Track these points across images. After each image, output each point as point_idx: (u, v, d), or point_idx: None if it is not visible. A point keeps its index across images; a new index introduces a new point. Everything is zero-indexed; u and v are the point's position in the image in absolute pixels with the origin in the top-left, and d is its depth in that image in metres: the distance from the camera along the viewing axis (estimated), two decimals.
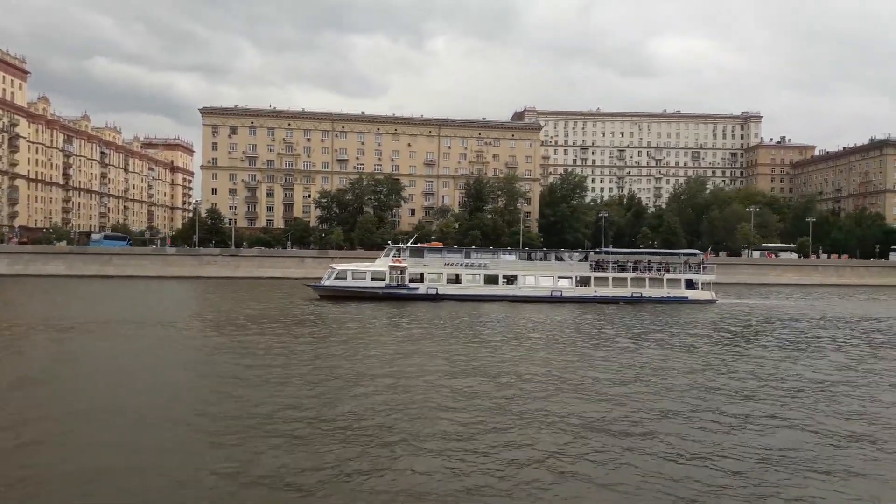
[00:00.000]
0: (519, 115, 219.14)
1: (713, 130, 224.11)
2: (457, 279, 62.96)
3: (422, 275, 62.56)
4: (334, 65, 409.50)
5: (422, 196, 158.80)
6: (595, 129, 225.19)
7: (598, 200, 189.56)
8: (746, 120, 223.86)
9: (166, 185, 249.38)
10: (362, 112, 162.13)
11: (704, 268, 67.10)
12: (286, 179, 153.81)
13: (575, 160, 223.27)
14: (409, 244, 67.18)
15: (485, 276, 63.00)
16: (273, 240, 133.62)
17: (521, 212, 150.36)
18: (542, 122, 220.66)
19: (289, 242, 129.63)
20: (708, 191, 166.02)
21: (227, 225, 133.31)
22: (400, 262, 62.13)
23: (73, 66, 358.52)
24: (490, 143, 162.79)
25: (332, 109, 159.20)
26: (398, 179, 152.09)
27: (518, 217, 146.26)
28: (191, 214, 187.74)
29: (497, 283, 62.86)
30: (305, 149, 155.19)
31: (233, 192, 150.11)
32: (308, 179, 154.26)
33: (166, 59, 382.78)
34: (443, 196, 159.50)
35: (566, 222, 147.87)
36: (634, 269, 65.47)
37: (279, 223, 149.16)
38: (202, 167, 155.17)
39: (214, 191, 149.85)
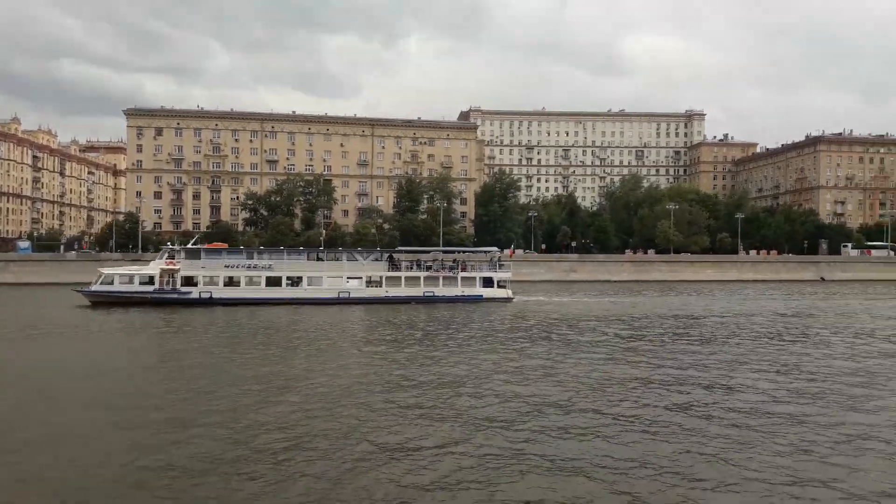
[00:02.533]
0: (465, 115, 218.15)
1: (657, 129, 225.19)
2: (236, 282, 60.14)
3: (197, 278, 59.57)
4: (306, 65, 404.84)
5: (355, 197, 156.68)
6: (540, 128, 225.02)
7: (539, 200, 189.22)
8: (690, 118, 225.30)
9: (108, 189, 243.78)
10: (293, 111, 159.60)
11: (502, 265, 65.72)
12: (213, 181, 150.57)
13: (520, 160, 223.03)
14: (187, 245, 64.35)
15: (267, 277, 60.20)
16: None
17: (455, 212, 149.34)
18: (488, 122, 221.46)
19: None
20: (642, 189, 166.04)
21: (148, 228, 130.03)
22: (173, 265, 59.12)
23: (38, 68, 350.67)
24: (425, 143, 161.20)
25: (262, 109, 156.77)
26: (330, 180, 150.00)
27: (452, 217, 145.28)
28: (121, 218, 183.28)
29: (280, 285, 60.20)
30: (233, 150, 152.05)
31: (158, 194, 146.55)
32: (236, 181, 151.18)
33: (135, 61, 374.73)
34: (377, 197, 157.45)
35: (499, 222, 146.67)
36: (428, 268, 64.11)
37: (206, 226, 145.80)
38: (127, 170, 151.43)
39: (138, 193, 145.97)
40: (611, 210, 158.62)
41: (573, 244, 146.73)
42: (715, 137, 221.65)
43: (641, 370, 27.05)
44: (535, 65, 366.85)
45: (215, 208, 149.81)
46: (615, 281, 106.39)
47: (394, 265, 63.96)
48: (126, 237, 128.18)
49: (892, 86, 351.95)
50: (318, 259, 64.65)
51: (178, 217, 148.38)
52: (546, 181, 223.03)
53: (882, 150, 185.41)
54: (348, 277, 61.75)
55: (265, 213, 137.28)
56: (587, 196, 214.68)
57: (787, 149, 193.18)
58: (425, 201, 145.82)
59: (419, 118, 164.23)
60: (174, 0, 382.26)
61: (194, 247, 63.85)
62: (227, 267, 60.41)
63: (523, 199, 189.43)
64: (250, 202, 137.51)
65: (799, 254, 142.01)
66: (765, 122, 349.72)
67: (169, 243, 77.59)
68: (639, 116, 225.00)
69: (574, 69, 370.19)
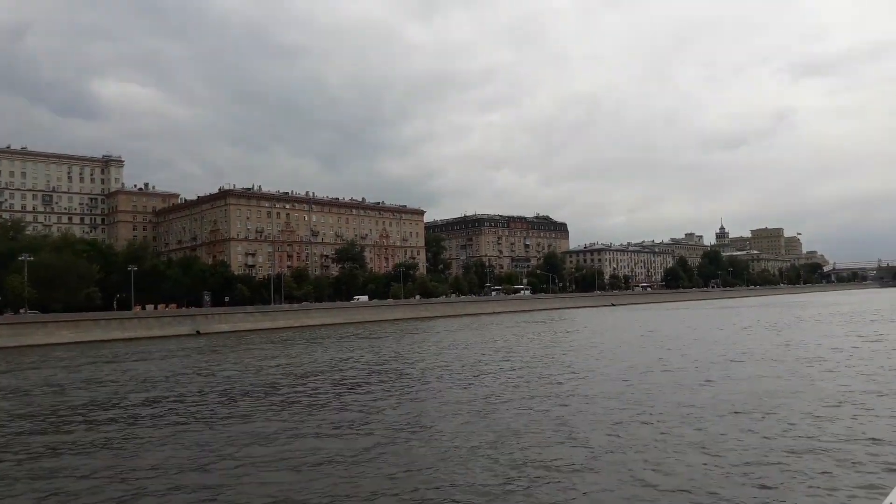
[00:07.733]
0: None
1: (69, 172, 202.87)
2: None
3: None
4: None
5: None
6: None
7: None
8: (107, 164, 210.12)
9: None
10: None
11: None
12: None
13: None
14: None
15: None
16: None
17: None
18: None
19: None
20: (21, 238, 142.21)
21: None
22: None
23: None
24: None
25: None
26: None
27: None
28: None
29: None
30: None
31: None
32: None
33: None
34: None
35: None
36: None
37: None
38: None
39: None
40: None
41: None
42: (135, 186, 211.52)
43: None
44: None
45: None
46: None
47: None
48: None
49: (345, 156, 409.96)
50: None
51: None
52: None
53: (287, 206, 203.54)
54: None
55: None
56: None
57: (202, 201, 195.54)
58: None
59: None
60: None
61: None
62: None
63: None
64: None
65: (198, 306, 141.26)
66: (242, 180, 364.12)
67: None
68: (46, 156, 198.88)
69: (33, 106, 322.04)
